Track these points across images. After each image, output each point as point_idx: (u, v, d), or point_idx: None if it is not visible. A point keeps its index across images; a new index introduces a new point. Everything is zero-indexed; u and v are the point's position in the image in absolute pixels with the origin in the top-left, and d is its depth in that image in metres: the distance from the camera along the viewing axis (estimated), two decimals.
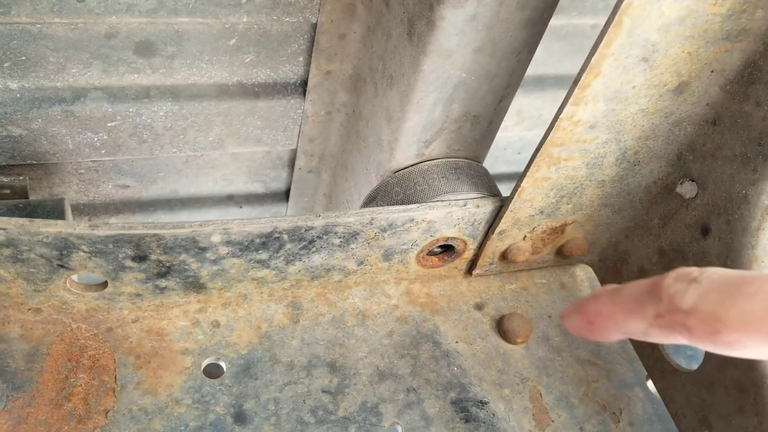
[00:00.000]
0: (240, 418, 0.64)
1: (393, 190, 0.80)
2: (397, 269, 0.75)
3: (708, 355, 0.66)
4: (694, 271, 0.43)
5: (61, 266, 0.60)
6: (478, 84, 0.73)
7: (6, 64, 0.79)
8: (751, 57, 0.59)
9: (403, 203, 0.78)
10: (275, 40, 0.88)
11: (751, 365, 0.61)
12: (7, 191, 0.94)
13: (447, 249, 0.77)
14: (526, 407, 0.72)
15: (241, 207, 1.21)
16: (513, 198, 0.69)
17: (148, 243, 0.60)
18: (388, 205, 0.80)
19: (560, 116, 0.59)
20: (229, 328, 0.69)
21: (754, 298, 0.39)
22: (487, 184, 0.80)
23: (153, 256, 0.62)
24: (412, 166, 0.81)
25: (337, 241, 0.67)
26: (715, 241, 0.66)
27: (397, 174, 0.81)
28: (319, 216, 0.64)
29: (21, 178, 0.95)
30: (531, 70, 0.80)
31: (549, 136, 0.62)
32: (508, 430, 0.70)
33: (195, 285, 0.67)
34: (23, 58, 0.79)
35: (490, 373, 0.74)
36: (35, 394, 0.61)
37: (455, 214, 0.70)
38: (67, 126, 0.89)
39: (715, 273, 0.42)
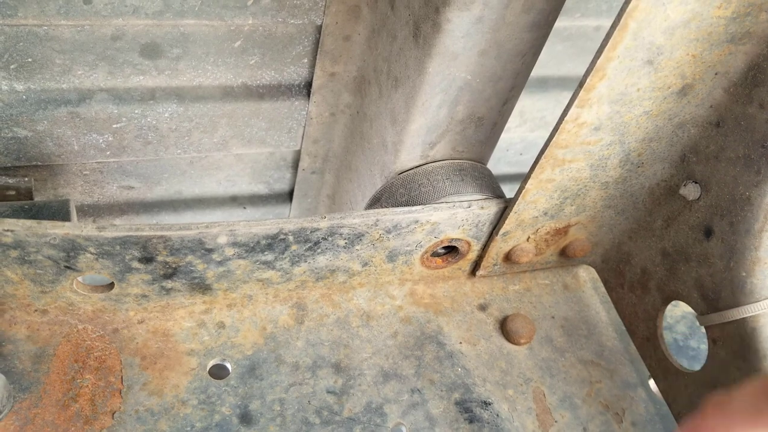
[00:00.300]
0: (246, 418, 0.65)
1: (397, 192, 0.80)
2: (401, 270, 0.75)
3: (710, 356, 0.67)
4: None
5: (68, 268, 0.60)
6: (482, 86, 0.73)
7: (12, 66, 0.79)
8: (755, 60, 0.59)
9: (407, 205, 0.78)
10: (280, 42, 0.89)
11: (753, 366, 0.62)
12: (13, 192, 0.94)
13: (451, 250, 0.77)
14: (529, 408, 0.72)
15: (244, 208, 1.21)
16: (517, 199, 0.69)
17: (155, 244, 0.60)
18: (392, 206, 0.80)
19: (565, 118, 0.60)
20: (235, 329, 0.70)
21: None
22: (491, 186, 0.80)
23: (159, 258, 0.62)
24: (416, 167, 0.82)
25: (342, 242, 0.68)
26: (718, 243, 0.66)
27: (401, 175, 0.82)
28: (325, 217, 0.65)
29: (26, 179, 0.95)
30: (534, 72, 0.80)
31: (554, 138, 0.62)
32: (512, 430, 0.70)
33: (201, 286, 0.67)
34: (29, 59, 0.79)
35: (493, 373, 0.74)
36: (42, 395, 0.61)
37: (459, 215, 0.70)
38: (73, 127, 0.89)
39: None
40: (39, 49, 0.79)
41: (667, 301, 0.73)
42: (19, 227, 0.56)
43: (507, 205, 0.71)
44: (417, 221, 0.69)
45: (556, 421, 0.72)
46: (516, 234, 0.74)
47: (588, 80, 0.56)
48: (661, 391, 0.75)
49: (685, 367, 0.72)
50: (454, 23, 0.65)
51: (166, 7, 0.78)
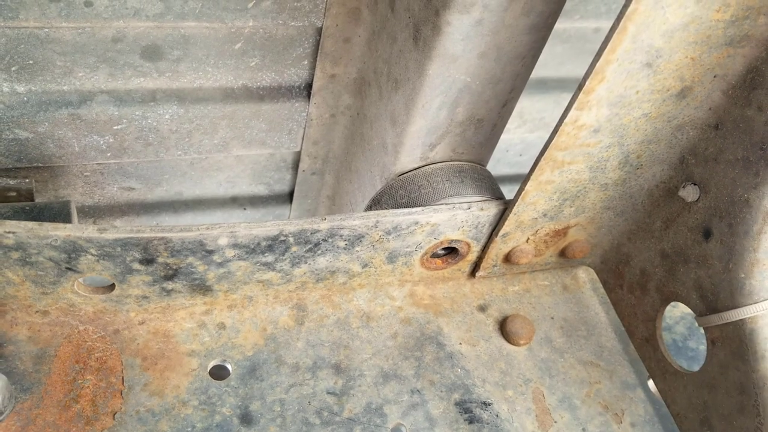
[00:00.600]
0: (246, 419, 0.65)
1: (397, 193, 0.81)
2: (401, 271, 0.75)
3: (709, 357, 0.67)
4: None
5: (69, 269, 0.61)
6: (482, 88, 0.73)
7: (13, 68, 0.80)
8: (753, 62, 0.60)
9: (407, 206, 0.78)
10: (280, 44, 0.89)
11: (752, 367, 0.62)
12: (14, 194, 0.94)
13: (451, 251, 0.78)
14: (529, 408, 0.72)
15: (244, 209, 1.21)
16: (517, 201, 0.69)
17: (156, 246, 0.60)
18: (392, 208, 0.80)
19: (564, 120, 0.60)
20: (235, 330, 0.70)
21: None
22: (490, 187, 0.80)
23: (160, 259, 0.62)
24: (416, 169, 0.82)
25: (342, 243, 0.68)
26: (717, 245, 0.66)
27: (401, 177, 0.82)
28: (325, 219, 0.65)
29: (27, 180, 0.95)
30: (533, 73, 0.80)
31: (553, 140, 0.62)
32: (512, 431, 0.70)
33: (201, 287, 0.67)
34: (30, 62, 0.80)
35: (493, 374, 0.74)
36: (43, 395, 0.61)
37: (459, 217, 0.70)
38: (74, 129, 0.90)
39: None
40: (40, 51, 0.79)
41: (666, 302, 0.74)
42: (21, 229, 0.56)
43: (506, 207, 0.72)
44: (417, 223, 0.69)
45: (555, 422, 0.72)
46: (515, 235, 0.75)
47: (587, 83, 0.56)
48: (660, 391, 0.75)
49: (684, 367, 0.72)
50: (453, 26, 0.65)
51: (166, 9, 0.78)
